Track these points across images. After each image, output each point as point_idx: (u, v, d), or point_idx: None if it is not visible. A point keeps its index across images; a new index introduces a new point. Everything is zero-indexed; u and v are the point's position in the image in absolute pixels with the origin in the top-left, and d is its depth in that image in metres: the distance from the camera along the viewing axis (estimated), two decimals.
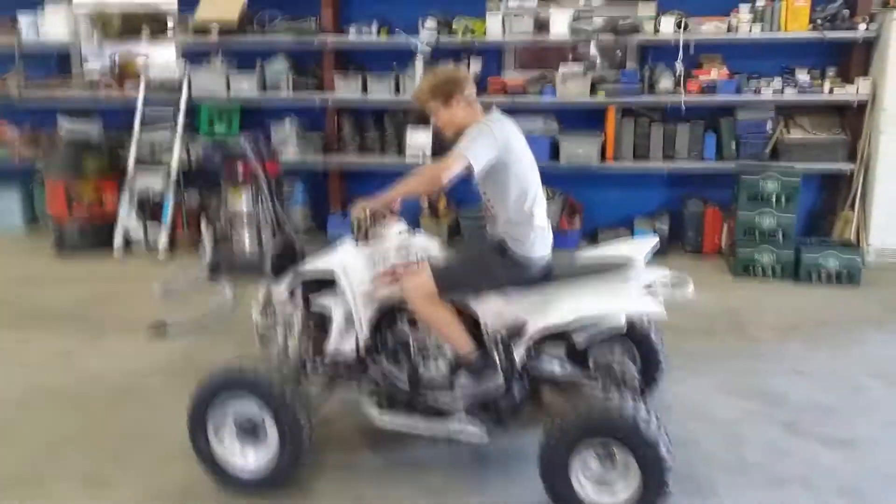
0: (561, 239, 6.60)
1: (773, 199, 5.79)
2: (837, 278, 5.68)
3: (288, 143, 7.06)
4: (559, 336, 3.22)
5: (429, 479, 3.22)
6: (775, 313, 5.13)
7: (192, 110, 7.16)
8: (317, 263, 3.30)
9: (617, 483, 2.82)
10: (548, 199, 6.68)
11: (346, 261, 3.22)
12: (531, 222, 3.13)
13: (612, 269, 3.13)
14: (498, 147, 3.03)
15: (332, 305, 3.25)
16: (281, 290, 3.40)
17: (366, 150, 7.23)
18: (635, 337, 3.65)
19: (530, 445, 3.28)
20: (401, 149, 7.04)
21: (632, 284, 3.11)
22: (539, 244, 3.14)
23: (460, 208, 6.92)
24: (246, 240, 6.08)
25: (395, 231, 3.35)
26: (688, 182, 6.76)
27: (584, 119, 6.77)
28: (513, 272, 3.13)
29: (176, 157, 6.88)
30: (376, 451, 3.44)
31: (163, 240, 6.75)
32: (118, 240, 6.86)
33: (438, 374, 3.24)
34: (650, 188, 6.91)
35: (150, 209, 6.87)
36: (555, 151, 6.65)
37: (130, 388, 4.06)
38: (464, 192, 7.03)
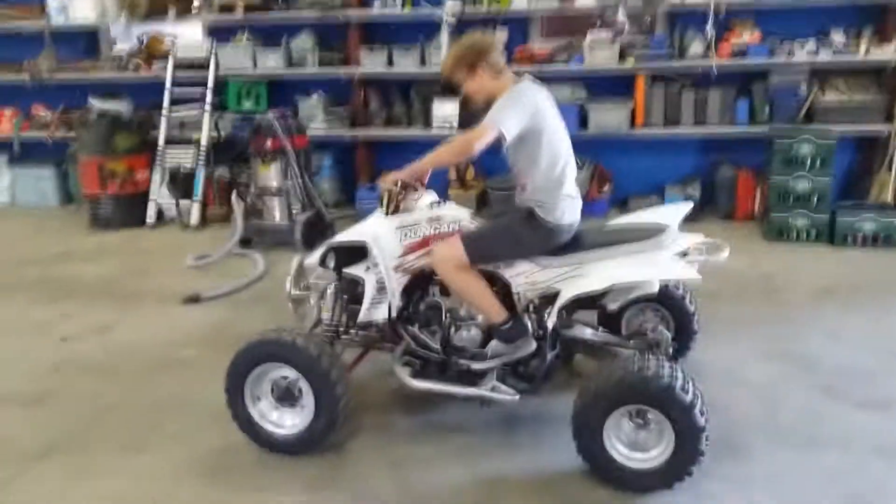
0: (590, 207, 6.58)
1: (808, 163, 5.68)
2: (874, 241, 5.57)
3: (315, 117, 7.06)
4: (591, 302, 3.21)
5: (461, 441, 3.25)
6: (810, 277, 5.05)
7: (220, 87, 7.20)
8: (349, 234, 3.33)
9: (651, 446, 2.82)
10: (577, 168, 6.68)
11: (377, 231, 3.24)
12: (560, 190, 3.11)
13: (647, 235, 3.10)
14: (529, 115, 3.00)
15: (364, 275, 3.26)
16: (314, 261, 3.43)
17: (392, 122, 7.22)
18: (669, 302, 3.62)
19: (560, 409, 3.31)
20: (427, 121, 7.02)
21: (666, 251, 3.08)
22: (569, 212, 3.12)
23: (488, 178, 6.89)
24: (276, 213, 6.12)
25: (425, 202, 3.34)
26: (720, 147, 6.65)
27: (613, 86, 6.68)
28: (542, 239, 3.12)
29: (205, 134, 6.94)
30: (408, 414, 3.48)
31: (194, 214, 6.83)
32: (151, 214, 6.95)
33: (471, 341, 3.25)
34: (681, 154, 6.81)
35: (181, 184, 6.94)
36: (583, 120, 6.58)
37: (165, 359, 4.13)
38: (491, 162, 7.00)
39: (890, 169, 6.05)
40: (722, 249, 3.18)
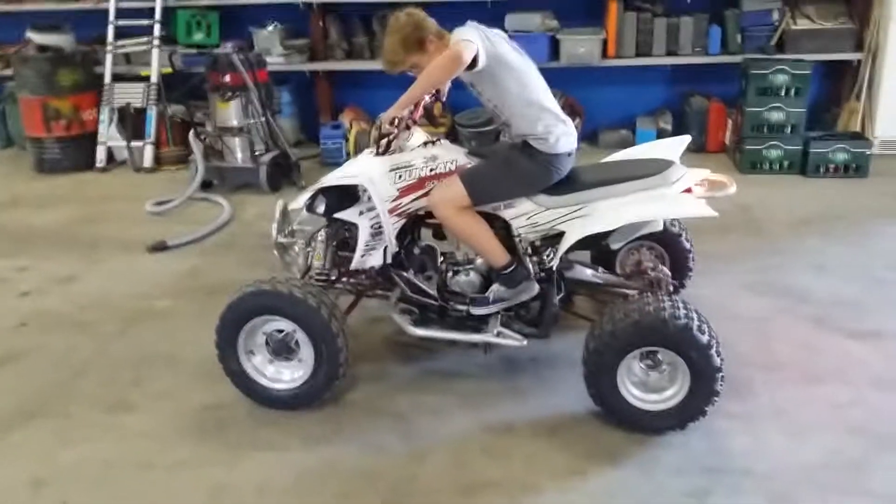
0: None
1: (783, 93, 5.64)
2: (845, 170, 5.61)
3: (271, 49, 6.69)
4: (592, 242, 3.08)
5: (463, 388, 3.17)
6: (788, 209, 5.06)
7: (168, 17, 6.76)
8: (341, 176, 3.11)
9: (665, 387, 2.79)
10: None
11: (371, 172, 3.04)
12: (545, 115, 2.95)
13: (653, 171, 2.98)
14: (482, 38, 2.83)
15: (358, 220, 3.09)
16: (299, 205, 3.24)
17: (354, 55, 6.91)
18: (665, 240, 3.55)
19: (559, 350, 3.26)
20: None
21: (674, 186, 2.97)
22: (563, 138, 2.97)
23: (456, 113, 6.69)
24: (238, 153, 5.83)
25: (418, 140, 3.16)
26: (691, 78, 6.56)
27: (584, 14, 6.47)
28: (544, 171, 2.98)
29: (155, 69, 6.54)
30: (406, 362, 3.38)
31: (147, 155, 6.48)
32: (100, 157, 6.57)
33: (469, 286, 3.14)
34: (652, 85, 6.70)
35: (131, 124, 6.57)
36: (554, 50, 6.39)
37: (139, 310, 3.93)
38: (458, 97, 6.80)
39: (859, 98, 6.07)
40: (729, 184, 3.09)
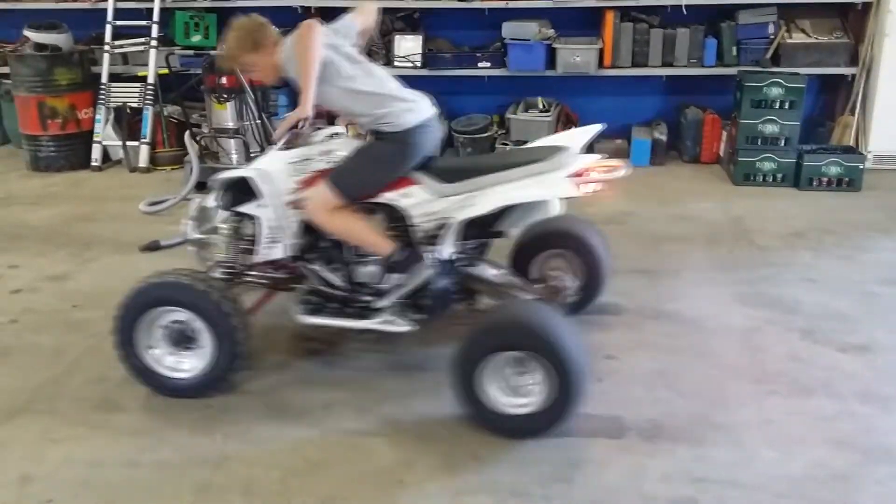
0: None
1: (777, 105, 5.67)
2: (838, 184, 5.64)
3: None
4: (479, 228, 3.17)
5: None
6: (780, 221, 5.08)
7: (166, 19, 6.77)
8: (236, 170, 3.26)
9: (531, 390, 2.79)
10: (543, 109, 6.54)
11: (268, 167, 3.14)
12: (387, 100, 3.05)
13: (542, 156, 3.03)
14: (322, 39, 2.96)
15: (256, 212, 3.17)
16: (211, 200, 3.33)
17: None
18: (579, 249, 3.58)
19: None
20: (388, 58, 6.76)
21: (561, 171, 2.98)
22: (408, 114, 3.06)
23: (452, 120, 6.72)
24: (233, 154, 5.83)
25: (325, 134, 3.27)
26: (686, 89, 6.60)
27: (581, 24, 6.52)
28: (401, 149, 3.07)
29: (152, 69, 6.55)
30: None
31: (143, 155, 6.48)
32: (96, 156, 6.57)
33: (371, 276, 3.22)
34: (648, 96, 6.74)
35: (127, 124, 6.57)
36: (550, 59, 6.42)
37: None
38: (454, 104, 6.83)
39: (853, 112, 6.11)
40: (620, 168, 3.10)
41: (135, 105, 6.58)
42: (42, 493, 2.61)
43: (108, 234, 5.00)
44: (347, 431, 2.93)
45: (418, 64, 6.58)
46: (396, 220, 3.14)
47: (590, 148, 6.48)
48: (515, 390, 2.82)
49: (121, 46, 6.71)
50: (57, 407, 3.11)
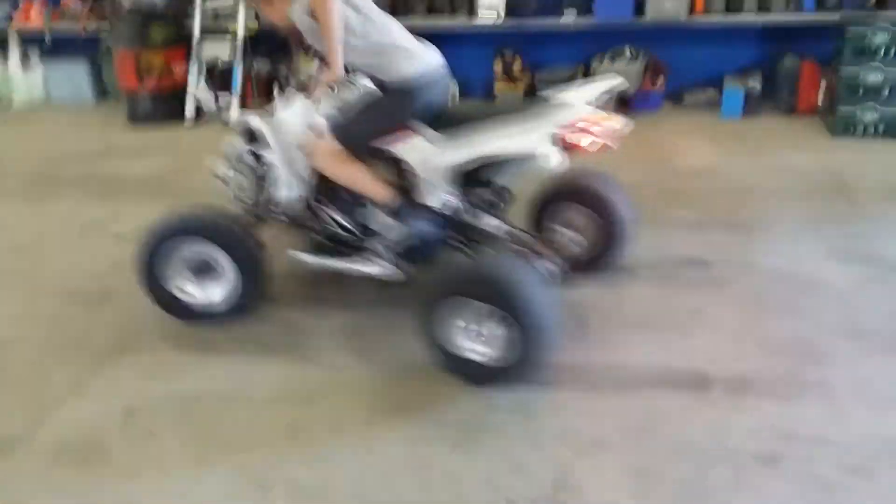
0: (643, 101, 6.35)
1: (882, 53, 5.35)
2: None
3: None
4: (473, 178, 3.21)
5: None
6: (882, 175, 4.84)
7: None
8: (252, 117, 3.45)
9: (494, 340, 2.78)
10: (630, 58, 6.37)
11: (280, 116, 3.34)
12: (386, 49, 3.07)
13: (530, 109, 3.00)
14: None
15: (269, 154, 3.35)
16: (238, 143, 3.51)
17: (434, 10, 6.89)
18: (596, 205, 3.49)
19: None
20: (472, 8, 6.69)
21: (543, 125, 2.90)
22: (407, 63, 3.07)
23: (536, 71, 6.62)
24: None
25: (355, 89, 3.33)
26: (783, 37, 6.30)
27: None
28: (399, 99, 3.10)
29: (241, 24, 6.68)
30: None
31: (233, 108, 6.67)
32: (189, 110, 6.80)
33: (371, 221, 3.33)
34: (742, 44, 6.48)
35: (219, 78, 6.75)
36: (638, 7, 6.22)
37: None
38: (539, 54, 6.73)
39: None
40: (612, 123, 2.96)
41: (226, 59, 6.74)
42: (144, 424, 2.78)
43: (204, 186, 5.15)
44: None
45: (502, 14, 6.49)
46: (400, 170, 3.22)
47: (678, 98, 6.39)
48: (478, 339, 2.83)
49: (213, 2, 6.86)
50: (158, 346, 3.29)
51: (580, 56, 6.64)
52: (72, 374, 3.09)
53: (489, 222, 3.32)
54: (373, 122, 3.15)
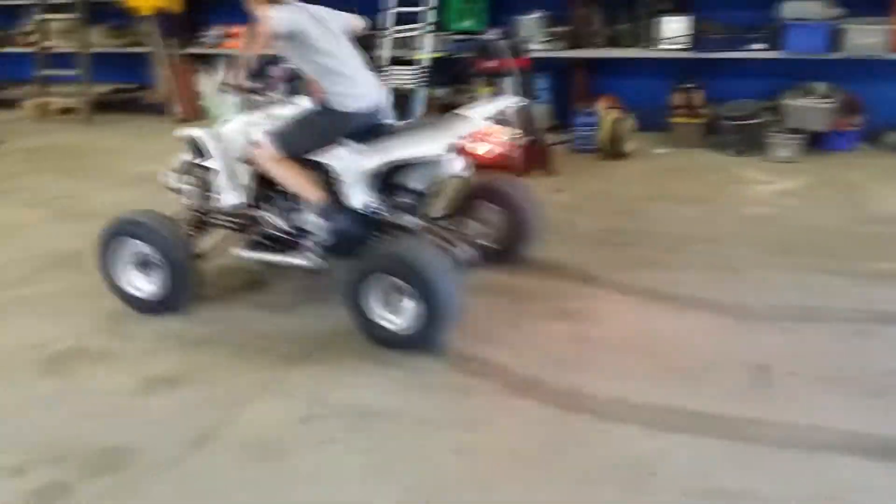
0: (836, 140, 5.97)
1: None
2: None
3: (533, 37, 6.87)
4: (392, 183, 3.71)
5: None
6: None
7: (441, 5, 7.15)
8: (193, 130, 3.93)
9: (403, 311, 3.32)
10: (821, 95, 6.03)
11: (221, 128, 3.86)
12: (342, 84, 3.53)
13: (436, 124, 3.61)
14: (290, 21, 3.40)
15: (211, 164, 3.85)
16: (187, 154, 3.98)
17: (615, 42, 6.88)
18: (509, 205, 4.05)
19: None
20: (653, 40, 6.61)
21: (445, 133, 3.47)
22: (354, 101, 3.56)
23: (721, 105, 6.42)
24: None
25: (278, 103, 3.89)
26: None
27: (864, 3, 5.90)
28: (335, 125, 3.60)
29: (427, 53, 6.95)
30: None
31: None
32: None
33: (303, 220, 3.74)
34: None
35: (399, 105, 7.04)
36: (832, 40, 5.89)
37: None
38: (723, 87, 6.51)
39: None
40: (501, 135, 3.57)
41: (408, 86, 7.04)
42: (323, 431, 2.95)
43: None
44: None
45: (685, 46, 6.37)
46: (327, 176, 3.66)
47: (875, 138, 5.97)
48: (392, 308, 3.37)
49: (400, 31, 7.20)
50: (342, 356, 3.46)
51: (767, 90, 6.36)
52: (258, 377, 3.34)
53: (406, 220, 3.73)
54: (305, 137, 3.64)
